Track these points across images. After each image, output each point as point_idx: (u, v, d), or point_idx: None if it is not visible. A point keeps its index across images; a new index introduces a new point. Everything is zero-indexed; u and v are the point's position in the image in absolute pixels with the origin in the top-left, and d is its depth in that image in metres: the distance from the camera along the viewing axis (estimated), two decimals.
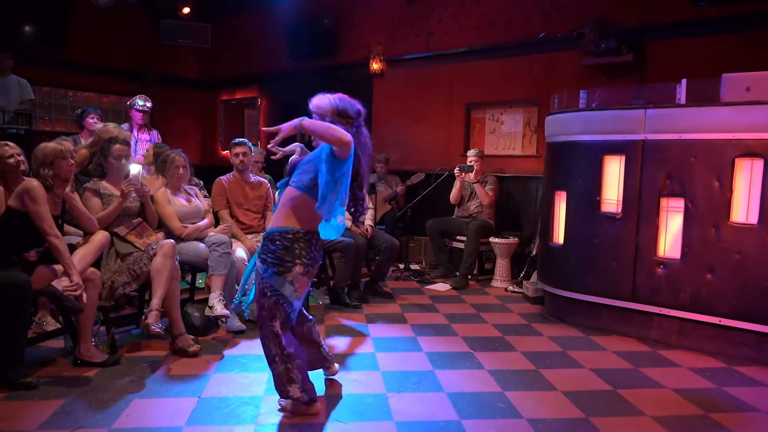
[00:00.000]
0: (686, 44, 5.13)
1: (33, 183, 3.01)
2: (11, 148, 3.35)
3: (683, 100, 3.87)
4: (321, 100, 2.65)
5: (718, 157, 3.59)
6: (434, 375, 3.21)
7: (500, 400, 2.89)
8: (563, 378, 3.22)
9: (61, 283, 3.03)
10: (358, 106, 2.68)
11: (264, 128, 2.63)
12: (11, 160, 3.32)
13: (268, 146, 2.66)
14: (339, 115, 2.60)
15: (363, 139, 2.67)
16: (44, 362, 3.25)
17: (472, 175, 5.77)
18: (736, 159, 3.54)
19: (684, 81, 3.90)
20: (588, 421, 2.68)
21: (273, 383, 2.66)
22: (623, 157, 3.97)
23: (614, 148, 4.01)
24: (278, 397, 2.74)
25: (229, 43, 8.78)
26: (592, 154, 4.11)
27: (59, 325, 3.58)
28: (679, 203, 3.76)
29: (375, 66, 7.15)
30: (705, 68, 4.75)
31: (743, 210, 3.56)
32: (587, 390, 3.06)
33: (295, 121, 2.48)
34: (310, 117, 2.62)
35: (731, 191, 3.56)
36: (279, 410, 2.71)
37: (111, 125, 4.34)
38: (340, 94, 2.69)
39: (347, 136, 2.41)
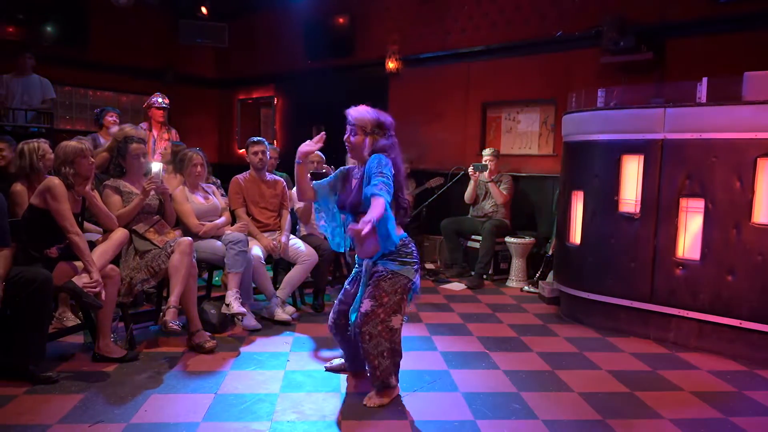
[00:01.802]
0: (707, 42, 5.05)
1: (54, 181, 3.06)
2: (47, 149, 3.47)
3: (704, 99, 3.82)
4: (361, 113, 2.78)
5: (740, 156, 3.53)
6: (449, 374, 3.21)
7: (516, 401, 2.87)
8: (580, 379, 3.19)
9: (81, 280, 3.08)
10: (392, 120, 2.84)
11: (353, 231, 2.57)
12: (48, 156, 3.42)
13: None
14: (379, 127, 2.76)
15: (398, 148, 2.80)
16: (64, 357, 3.31)
17: (486, 174, 5.74)
18: (758, 159, 3.47)
19: (705, 79, 3.84)
20: (605, 423, 2.66)
21: (370, 376, 2.78)
22: (642, 157, 3.92)
23: (633, 148, 3.97)
24: (293, 393, 2.75)
25: (246, 43, 8.85)
26: (610, 154, 4.07)
27: (79, 321, 3.64)
28: (699, 204, 3.71)
29: (391, 65, 7.14)
30: (726, 66, 4.66)
31: (765, 211, 3.49)
32: (604, 392, 3.03)
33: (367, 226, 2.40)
34: (343, 124, 2.81)
35: (753, 192, 3.49)
36: (364, 405, 2.76)
37: (127, 127, 4.40)
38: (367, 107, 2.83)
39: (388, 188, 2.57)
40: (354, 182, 2.83)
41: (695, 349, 3.72)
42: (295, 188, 4.69)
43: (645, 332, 3.96)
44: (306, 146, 2.85)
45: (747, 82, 3.62)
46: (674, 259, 3.80)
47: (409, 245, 2.80)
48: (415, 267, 2.78)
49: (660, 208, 3.84)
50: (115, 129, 4.85)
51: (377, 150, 2.72)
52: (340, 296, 3.02)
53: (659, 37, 5.26)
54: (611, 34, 5.27)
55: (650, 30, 5.25)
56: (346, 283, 3.04)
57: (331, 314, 3.05)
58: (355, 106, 2.84)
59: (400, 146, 2.84)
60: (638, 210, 3.95)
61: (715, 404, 2.90)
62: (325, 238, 3.23)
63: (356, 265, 2.98)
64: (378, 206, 2.46)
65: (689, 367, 3.45)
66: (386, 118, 2.81)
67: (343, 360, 3.23)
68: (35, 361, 2.94)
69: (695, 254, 3.72)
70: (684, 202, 3.77)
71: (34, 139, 3.61)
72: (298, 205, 4.62)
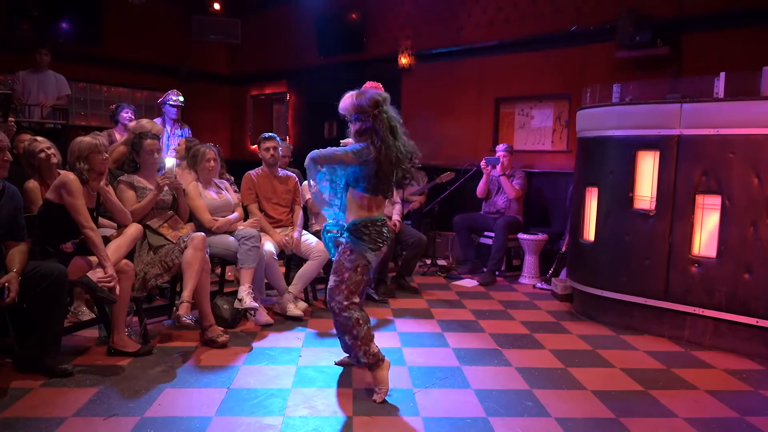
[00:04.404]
0: (725, 36, 4.97)
1: (69, 176, 3.09)
2: (40, 143, 3.46)
3: (721, 94, 3.76)
4: (345, 102, 2.84)
5: (758, 152, 3.48)
6: (461, 371, 3.20)
7: (528, 398, 2.86)
8: (593, 377, 3.17)
9: (95, 275, 3.11)
10: (376, 97, 2.77)
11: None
12: (42, 155, 3.43)
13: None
14: (358, 112, 2.78)
15: (382, 125, 2.74)
16: (79, 351, 3.34)
17: (498, 168, 5.71)
18: None
19: (722, 74, 3.79)
20: (618, 422, 2.63)
21: (350, 350, 2.82)
22: (657, 153, 3.88)
23: (648, 144, 3.92)
24: (305, 389, 2.76)
25: (259, 39, 8.86)
26: (625, 150, 4.03)
27: (94, 315, 3.68)
28: (715, 200, 3.66)
29: (403, 60, 7.12)
30: (744, 61, 4.58)
31: None
32: (617, 390, 3.01)
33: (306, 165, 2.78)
34: (341, 118, 2.86)
35: None
36: (375, 401, 2.76)
37: (144, 121, 4.42)
38: (367, 85, 2.81)
39: (351, 155, 2.70)
40: None
41: (710, 348, 3.68)
42: (306, 183, 4.74)
43: (659, 330, 3.92)
44: None
45: (766, 77, 3.56)
46: (690, 256, 3.75)
47: (368, 228, 2.76)
48: (371, 247, 2.77)
49: (676, 205, 3.80)
50: (133, 124, 4.89)
51: (359, 133, 2.78)
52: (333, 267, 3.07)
53: (676, 31, 5.19)
54: (627, 28, 5.20)
55: (667, 24, 5.17)
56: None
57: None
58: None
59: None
60: (653, 207, 3.90)
61: (731, 403, 2.86)
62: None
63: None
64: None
65: (704, 365, 3.42)
66: (364, 100, 2.76)
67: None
68: (51, 354, 2.97)
69: (711, 252, 3.67)
70: (700, 199, 3.72)
71: (30, 138, 3.62)
72: (308, 196, 4.64)
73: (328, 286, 2.85)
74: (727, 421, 2.68)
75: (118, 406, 2.64)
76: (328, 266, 4.36)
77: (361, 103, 2.77)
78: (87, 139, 3.25)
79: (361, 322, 2.80)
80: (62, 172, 3.32)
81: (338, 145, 2.89)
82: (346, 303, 2.78)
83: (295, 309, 4.11)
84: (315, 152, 2.75)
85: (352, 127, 2.82)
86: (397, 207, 5.20)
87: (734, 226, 3.56)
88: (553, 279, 5.18)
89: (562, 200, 5.84)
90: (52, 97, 6.24)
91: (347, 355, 3.23)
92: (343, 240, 2.86)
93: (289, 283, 4.28)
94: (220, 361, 3.27)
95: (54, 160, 3.49)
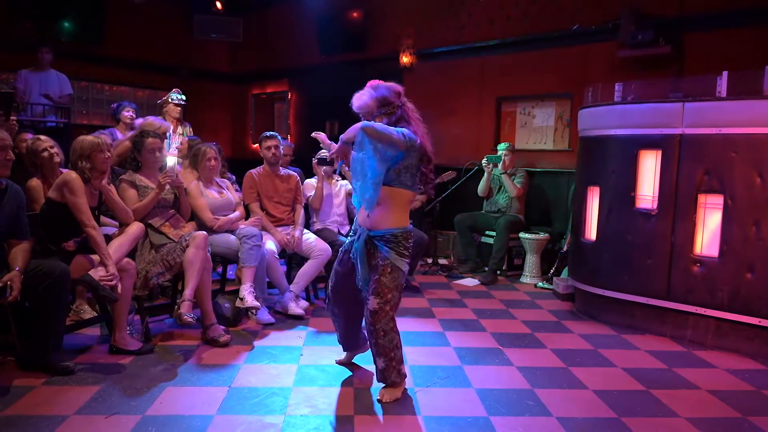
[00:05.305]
0: (727, 36, 4.96)
1: (72, 175, 3.09)
2: (43, 142, 3.46)
3: (724, 93, 3.75)
4: (361, 99, 2.74)
5: (760, 152, 3.47)
6: (462, 370, 3.20)
7: (529, 398, 2.85)
8: (594, 377, 3.16)
9: (97, 273, 3.11)
10: (395, 87, 2.77)
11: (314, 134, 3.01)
12: (45, 154, 3.43)
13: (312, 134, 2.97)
14: (383, 105, 2.71)
15: (411, 114, 2.77)
16: (81, 349, 3.35)
17: (500, 166, 5.71)
18: None
19: (725, 73, 3.78)
20: (620, 421, 2.63)
21: (383, 371, 2.78)
22: (659, 152, 3.87)
23: (650, 143, 3.91)
24: (306, 387, 2.76)
25: (261, 38, 8.86)
26: (627, 149, 4.02)
27: (96, 314, 3.69)
28: (717, 200, 3.65)
29: (405, 59, 7.11)
30: (747, 61, 4.57)
31: None
32: (619, 389, 3.00)
33: (354, 133, 2.62)
34: (353, 117, 2.78)
35: None
36: (379, 401, 2.75)
37: (151, 118, 4.42)
38: (372, 83, 2.80)
39: (402, 137, 2.59)
40: None
41: (712, 347, 3.67)
42: (307, 181, 4.74)
43: (661, 330, 3.92)
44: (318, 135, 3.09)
45: None
46: (692, 256, 3.74)
47: (407, 241, 2.77)
48: (407, 261, 2.77)
49: (678, 204, 3.79)
50: (139, 121, 4.89)
51: (390, 125, 2.70)
52: (336, 265, 3.01)
53: (678, 30, 5.17)
54: (629, 27, 5.19)
55: (668, 23, 5.16)
56: (341, 251, 2.99)
57: (330, 281, 3.04)
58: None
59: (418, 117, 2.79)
60: (655, 206, 3.90)
61: (733, 403, 2.86)
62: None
63: (352, 233, 2.94)
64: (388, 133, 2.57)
65: (706, 365, 3.41)
66: (385, 91, 2.72)
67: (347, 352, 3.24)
68: (53, 352, 2.97)
69: (713, 251, 3.67)
70: (702, 198, 3.72)
71: (33, 137, 3.62)
72: (310, 193, 4.64)
73: (370, 308, 2.71)
74: (729, 421, 2.67)
75: (119, 405, 2.65)
76: (329, 265, 4.37)
77: (385, 94, 2.71)
78: (89, 138, 3.25)
79: (400, 344, 2.80)
80: (64, 170, 3.32)
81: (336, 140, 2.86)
82: (391, 324, 2.76)
83: (297, 308, 4.11)
84: (367, 122, 2.60)
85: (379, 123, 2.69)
86: None
87: (736, 225, 3.56)
88: (554, 278, 5.17)
89: (564, 199, 5.83)
90: (54, 95, 6.25)
91: (348, 353, 3.24)
92: (382, 251, 2.71)
93: (290, 282, 4.28)
94: (222, 359, 3.27)
95: (57, 159, 3.49)
